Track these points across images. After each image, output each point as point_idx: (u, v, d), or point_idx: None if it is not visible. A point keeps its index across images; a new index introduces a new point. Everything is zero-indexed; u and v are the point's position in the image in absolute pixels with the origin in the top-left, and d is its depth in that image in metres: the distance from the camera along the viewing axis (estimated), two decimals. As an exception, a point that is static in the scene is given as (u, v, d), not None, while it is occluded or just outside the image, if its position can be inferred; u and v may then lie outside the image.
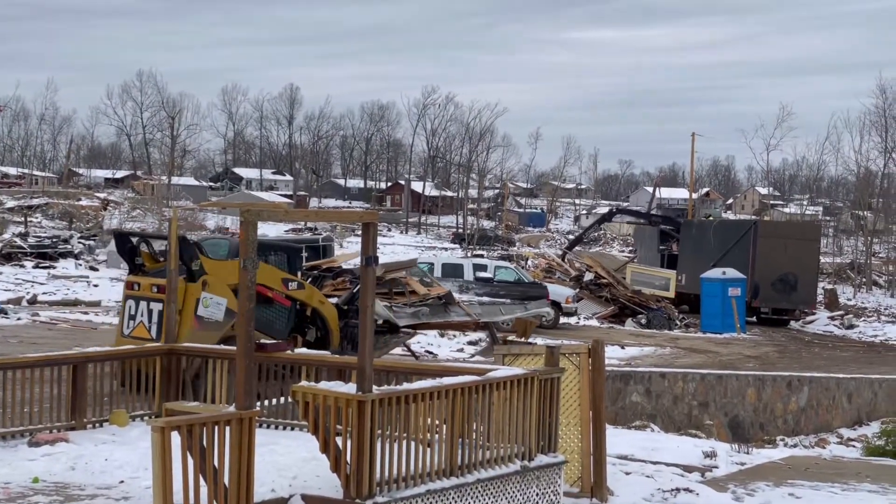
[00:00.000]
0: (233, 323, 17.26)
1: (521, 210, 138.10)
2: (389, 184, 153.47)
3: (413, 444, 9.30)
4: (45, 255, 48.32)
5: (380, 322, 21.96)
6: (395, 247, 77.45)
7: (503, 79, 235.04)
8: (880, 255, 72.28)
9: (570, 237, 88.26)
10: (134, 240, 18.11)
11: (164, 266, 17.34)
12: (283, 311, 19.00)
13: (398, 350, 23.36)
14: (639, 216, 67.79)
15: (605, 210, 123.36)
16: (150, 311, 16.82)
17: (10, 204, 66.39)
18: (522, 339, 25.88)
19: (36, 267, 45.71)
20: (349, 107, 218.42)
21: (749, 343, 35.22)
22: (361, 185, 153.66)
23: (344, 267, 25.98)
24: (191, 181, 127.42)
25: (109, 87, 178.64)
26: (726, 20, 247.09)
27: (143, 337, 16.59)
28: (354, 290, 21.66)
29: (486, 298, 29.07)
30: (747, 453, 15.93)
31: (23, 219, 60.00)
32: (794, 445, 22.47)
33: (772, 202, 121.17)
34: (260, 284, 17.79)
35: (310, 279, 19.95)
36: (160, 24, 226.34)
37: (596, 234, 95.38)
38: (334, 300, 20.76)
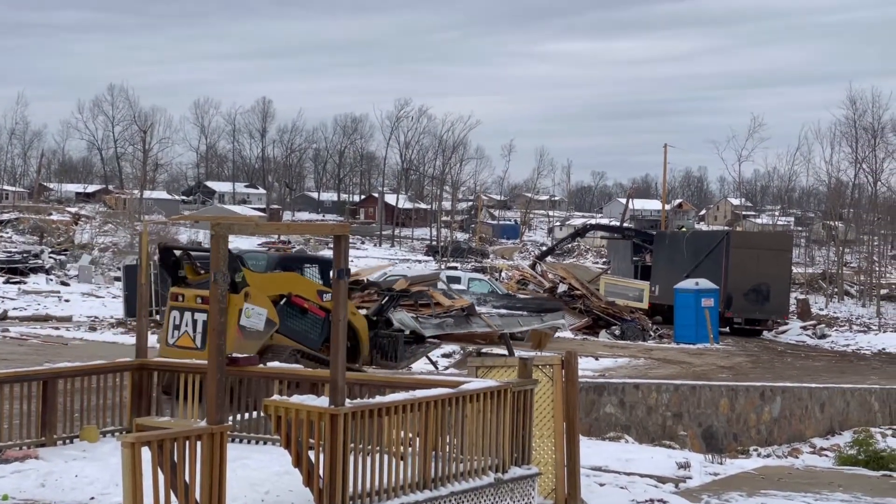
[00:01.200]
0: (272, 332, 18.35)
1: (495, 222, 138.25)
2: (363, 196, 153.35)
3: (386, 457, 9.27)
4: (16, 270, 47.99)
5: (407, 332, 22.64)
6: (368, 260, 77.28)
7: (476, 92, 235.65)
8: (852, 265, 72.73)
9: (544, 248, 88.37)
10: (177, 253, 18.76)
11: (206, 278, 18.10)
12: (318, 322, 19.60)
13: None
14: (612, 231, 68.00)
15: (578, 222, 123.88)
16: (194, 322, 17.49)
17: (-19, 219, 65.97)
18: (538, 351, 26.29)
19: (6, 282, 45.37)
20: (322, 120, 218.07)
21: (722, 353, 35.32)
22: (335, 198, 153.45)
23: (368, 280, 26.72)
24: (163, 195, 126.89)
25: (80, 102, 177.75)
26: (697, 32, 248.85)
27: (189, 346, 17.29)
28: (383, 302, 22.81)
29: (503, 311, 29.74)
30: (721, 464, 15.97)
31: (-7, 234, 59.59)
32: (768, 455, 22.54)
33: (744, 213, 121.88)
34: (297, 296, 19.11)
35: None
36: (133, 38, 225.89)
37: (569, 245, 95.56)
38: (363, 312, 21.58)
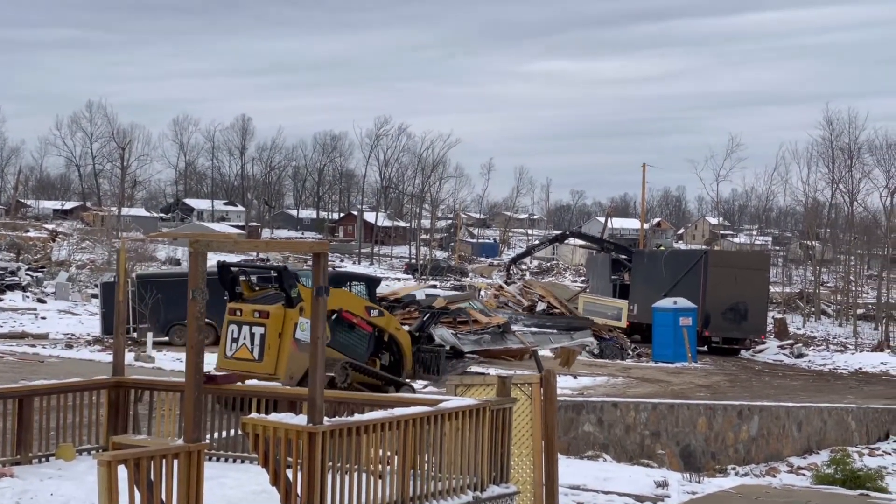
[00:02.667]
0: (324, 346, 18.43)
1: (474, 240, 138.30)
2: (342, 214, 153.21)
3: (364, 475, 9.23)
4: (-8, 287, 47.69)
5: (447, 348, 23.94)
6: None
7: (457, 110, 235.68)
8: (828, 285, 73.11)
9: (521, 264, 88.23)
10: (234, 270, 19.89)
11: (261, 294, 19.82)
12: (365, 337, 20.88)
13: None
14: (591, 240, 68.31)
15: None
16: (252, 335, 18.60)
17: (-43, 235, 65.53)
18: (565, 368, 26.96)
19: (-18, 299, 45.08)
20: (301, 137, 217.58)
21: (700, 372, 35.41)
22: (314, 215, 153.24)
23: (407, 299, 28.09)
24: (141, 212, 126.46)
25: (59, 118, 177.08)
26: (678, 53, 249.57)
27: (246, 358, 18.45)
28: (424, 319, 24.11)
29: (535, 329, 30.86)
30: (699, 482, 15.98)
31: (-31, 250, 59.18)
32: (745, 474, 22.58)
33: (722, 232, 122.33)
34: (347, 311, 20.40)
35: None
36: (115, 55, 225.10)
37: (549, 264, 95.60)
38: (406, 328, 22.70)
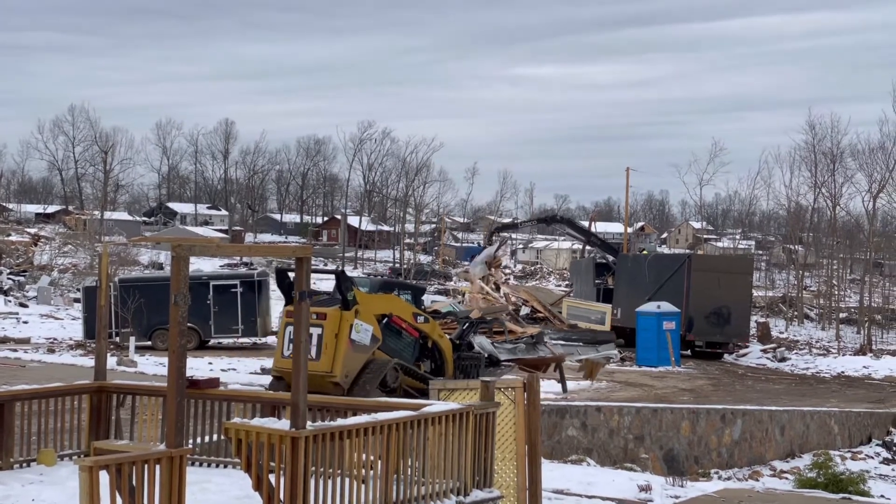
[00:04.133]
0: (375, 348, 20.59)
1: (458, 244, 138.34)
2: (326, 218, 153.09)
3: (347, 480, 9.21)
4: (-26, 291, 47.45)
5: (485, 355, 24.69)
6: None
7: (442, 114, 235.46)
8: (811, 289, 73.34)
9: (507, 271, 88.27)
10: (291, 275, 20.63)
11: (319, 298, 21.05)
12: (411, 342, 21.88)
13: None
14: (579, 230, 68.40)
15: (541, 244, 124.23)
16: (309, 336, 18.80)
17: (-62, 239, 65.17)
18: (589, 379, 27.45)
19: (-36, 303, 44.84)
20: (285, 142, 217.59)
21: (684, 376, 35.47)
22: (298, 219, 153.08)
23: (443, 311, 29.42)
24: (124, 216, 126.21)
25: (41, 122, 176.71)
26: (664, 58, 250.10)
27: None
28: (464, 327, 25.14)
29: (561, 342, 32.16)
30: (682, 486, 16.01)
31: (-49, 254, 58.88)
32: (728, 478, 22.63)
33: (705, 236, 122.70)
34: (397, 316, 21.49)
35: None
36: (99, 59, 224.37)
37: (533, 268, 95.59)
38: (447, 336, 23.60)
